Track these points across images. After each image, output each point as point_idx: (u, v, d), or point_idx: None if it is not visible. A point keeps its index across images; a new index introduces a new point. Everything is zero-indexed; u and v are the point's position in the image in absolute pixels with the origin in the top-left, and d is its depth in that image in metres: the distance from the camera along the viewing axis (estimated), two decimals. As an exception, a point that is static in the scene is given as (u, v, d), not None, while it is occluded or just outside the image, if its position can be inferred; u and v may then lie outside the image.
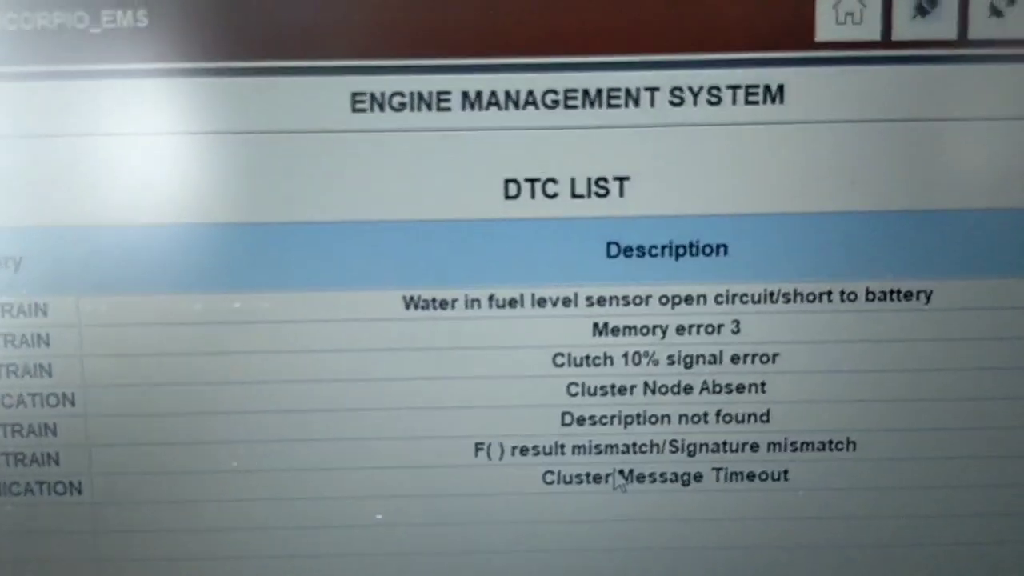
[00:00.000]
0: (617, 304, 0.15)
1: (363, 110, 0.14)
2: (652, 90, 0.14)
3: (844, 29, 0.14)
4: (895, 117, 0.14)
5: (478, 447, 0.15)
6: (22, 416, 0.14)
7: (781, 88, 0.14)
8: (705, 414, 0.15)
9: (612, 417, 0.15)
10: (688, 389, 0.15)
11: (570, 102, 0.14)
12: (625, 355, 0.15)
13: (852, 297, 0.15)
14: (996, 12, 0.14)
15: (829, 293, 0.15)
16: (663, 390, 0.15)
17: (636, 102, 0.14)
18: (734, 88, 0.14)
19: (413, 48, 0.14)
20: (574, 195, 0.14)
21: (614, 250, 0.14)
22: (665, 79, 0.14)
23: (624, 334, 0.15)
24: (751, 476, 0.15)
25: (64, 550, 0.15)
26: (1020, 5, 0.14)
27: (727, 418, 0.15)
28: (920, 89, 0.14)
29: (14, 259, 0.14)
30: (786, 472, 0.15)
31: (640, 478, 0.15)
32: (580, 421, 0.15)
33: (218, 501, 0.15)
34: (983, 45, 0.14)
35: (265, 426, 0.14)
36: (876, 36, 0.14)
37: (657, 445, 0.15)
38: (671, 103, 0.14)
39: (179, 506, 0.15)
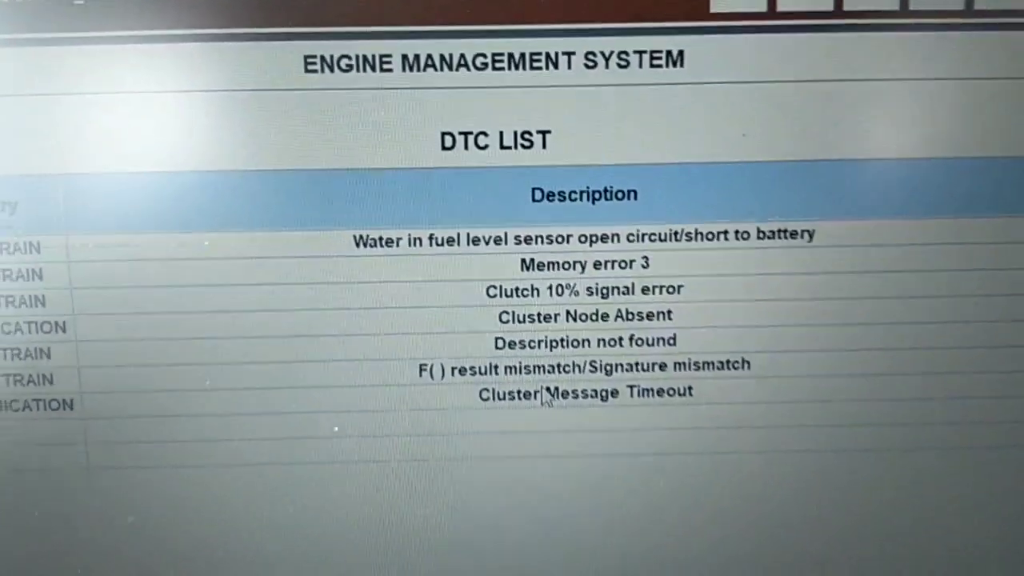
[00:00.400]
0: (542, 242, 0.17)
1: (315, 71, 0.16)
2: (569, 54, 0.16)
3: (735, 1, 0.16)
4: (780, 79, 0.16)
5: (422, 368, 0.17)
6: (19, 341, 0.16)
7: (681, 53, 0.16)
8: (620, 338, 0.17)
9: (539, 341, 0.17)
10: (604, 316, 0.17)
11: (497, 64, 0.16)
12: (549, 287, 0.17)
13: (745, 236, 0.17)
14: (868, -14, 0.16)
15: (725, 232, 0.17)
16: (583, 317, 0.17)
17: (555, 65, 0.16)
18: (640, 53, 0.16)
19: (359, 17, 0.16)
20: (502, 146, 0.16)
21: (538, 195, 0.16)
22: (580, 45, 0.16)
23: (548, 269, 0.17)
24: (660, 392, 0.17)
25: (58, 460, 0.17)
26: (889, -20, 0.16)
27: (639, 342, 0.17)
28: (801, 54, 0.16)
29: (10, 203, 0.16)
30: (691, 388, 0.17)
31: (564, 395, 0.17)
32: (511, 345, 0.17)
33: (194, 416, 0.16)
34: (855, 16, 0.16)
35: (233, 350, 0.16)
36: (763, 8, 0.16)
37: (578, 365, 0.17)
38: (586, 66, 0.16)
39: (160, 420, 0.17)
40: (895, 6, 0.16)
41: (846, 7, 0.16)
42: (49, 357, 0.16)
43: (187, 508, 0.17)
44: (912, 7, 0.16)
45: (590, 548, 0.17)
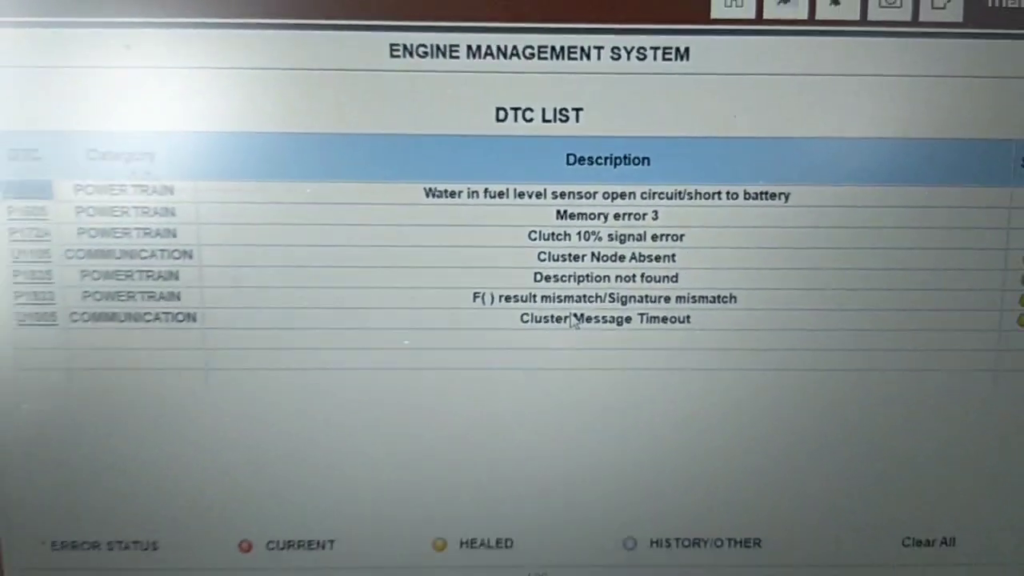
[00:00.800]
0: (573, 197, 0.21)
1: (398, 56, 0.20)
2: (599, 48, 0.20)
3: (730, 11, 0.20)
4: (763, 72, 0.20)
5: (475, 295, 0.21)
6: (155, 265, 0.20)
7: (687, 49, 0.20)
8: (633, 275, 0.21)
9: (569, 276, 0.21)
10: (621, 258, 0.21)
11: (542, 54, 0.20)
12: (579, 233, 0.21)
13: (735, 196, 0.21)
14: (835, 1, 0.20)
15: (719, 193, 0.21)
16: (604, 258, 0.21)
17: (588, 56, 0.20)
18: (655, 48, 0.20)
19: (434, 14, 0.20)
20: (544, 120, 0.20)
21: (572, 159, 0.20)
22: (607, 41, 0.20)
23: (578, 218, 0.21)
24: (664, 319, 0.21)
25: (181, 362, 0.21)
26: (852, -5, 0.20)
27: (648, 278, 0.21)
28: (781, 52, 0.20)
29: (149, 154, 0.20)
30: (688, 317, 0.21)
31: (588, 319, 0.21)
32: (547, 279, 0.21)
33: (295, 329, 0.20)
34: (825, 23, 0.20)
35: (327, 276, 0.20)
36: (752, 15, 0.20)
37: (600, 296, 0.21)
38: (612, 58, 0.20)
39: (267, 332, 0.20)
40: (856, 16, 0.20)
41: (817, 16, 0.20)
42: (177, 279, 0.20)
43: (288, 405, 0.21)
44: (870, 17, 0.20)
45: (601, 444, 0.21)
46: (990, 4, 0.20)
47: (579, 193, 0.20)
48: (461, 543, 0.22)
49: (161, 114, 0.19)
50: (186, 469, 0.21)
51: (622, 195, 0.21)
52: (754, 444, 0.22)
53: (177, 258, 0.20)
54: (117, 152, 0.20)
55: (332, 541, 0.22)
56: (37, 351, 0.20)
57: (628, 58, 0.20)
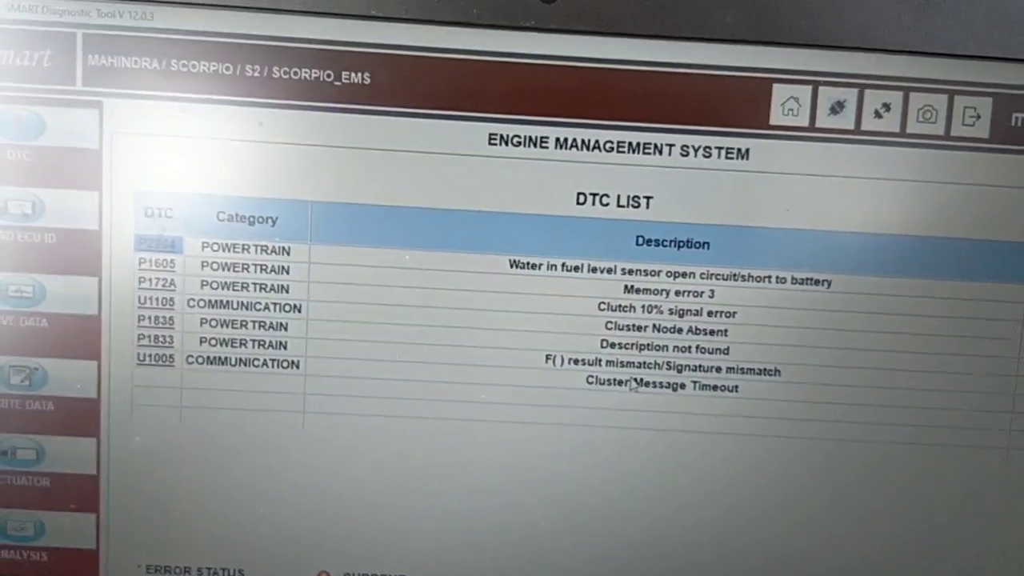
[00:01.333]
0: (640, 274, 0.23)
1: (495, 144, 0.22)
2: (670, 145, 0.23)
3: (787, 118, 0.23)
4: (814, 173, 0.23)
5: (547, 357, 0.23)
6: (267, 316, 0.23)
7: (748, 150, 0.23)
8: (689, 346, 0.23)
9: (632, 344, 0.23)
10: (679, 330, 0.23)
11: (620, 149, 0.23)
12: (643, 306, 0.23)
13: (783, 280, 0.23)
14: (878, 115, 0.23)
15: (769, 276, 0.23)
16: (664, 330, 0.23)
17: (659, 152, 0.23)
18: (719, 148, 0.23)
19: (528, 109, 0.22)
20: (618, 205, 0.23)
21: (640, 240, 0.23)
22: (677, 139, 0.22)
23: (643, 293, 0.23)
24: (715, 387, 0.23)
25: (282, 405, 0.23)
26: (893, 112, 0.23)
27: (702, 350, 0.23)
28: (830, 157, 0.23)
29: (272, 218, 0.22)
30: (737, 387, 0.23)
31: (647, 384, 0.23)
32: (612, 345, 0.23)
33: (387, 379, 0.23)
34: (869, 134, 0.23)
35: (418, 334, 0.23)
36: (806, 124, 0.23)
37: (658, 364, 0.23)
38: (681, 154, 0.23)
39: (362, 381, 0.23)
40: (896, 128, 0.23)
41: (863, 127, 0.23)
42: (286, 330, 0.23)
43: (374, 449, 0.23)
44: (908, 131, 0.23)
45: (653, 497, 0.24)
46: (1013, 124, 0.23)
47: (645, 271, 0.23)
48: (521, 582, 0.24)
49: (284, 184, 0.22)
50: (275, 503, 0.23)
51: (683, 274, 0.23)
52: (789, 505, 0.24)
53: (287, 311, 0.23)
54: (243, 215, 0.22)
55: None
56: (153, 389, 0.23)
57: (695, 155, 0.23)
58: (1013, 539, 0.24)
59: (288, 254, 0.22)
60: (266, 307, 0.23)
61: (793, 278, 0.23)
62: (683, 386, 0.23)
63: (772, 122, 0.23)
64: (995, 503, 0.24)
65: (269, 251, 0.22)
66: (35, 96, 0.22)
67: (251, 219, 0.22)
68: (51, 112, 0.22)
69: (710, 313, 0.23)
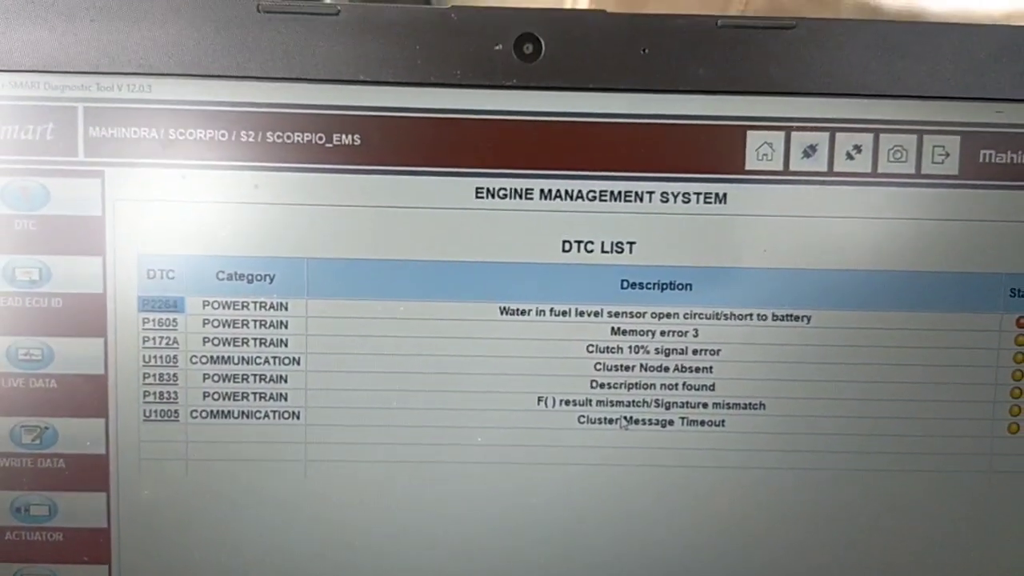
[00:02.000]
0: (626, 316, 0.24)
1: (482, 197, 0.23)
2: (650, 193, 0.23)
3: (761, 163, 0.23)
4: (789, 214, 0.24)
5: (539, 399, 0.24)
6: (267, 370, 0.23)
7: (725, 195, 0.23)
8: (676, 384, 0.24)
9: (620, 384, 0.24)
10: (666, 368, 0.24)
11: (602, 198, 0.23)
12: (630, 347, 0.24)
13: (764, 317, 0.24)
14: (850, 156, 0.24)
15: (750, 314, 0.24)
16: (652, 369, 0.24)
17: (640, 199, 0.23)
18: (697, 194, 0.23)
19: (512, 163, 0.23)
20: (603, 251, 0.24)
21: (625, 284, 0.24)
22: (658, 187, 0.23)
23: (629, 334, 0.24)
24: (702, 423, 0.24)
25: (283, 455, 0.24)
26: (864, 153, 0.24)
27: (689, 387, 0.24)
28: (804, 198, 0.24)
29: (270, 275, 0.23)
30: (723, 421, 0.24)
31: (636, 422, 0.24)
32: (601, 386, 0.24)
33: (385, 426, 0.23)
34: (841, 175, 0.24)
35: (412, 381, 0.24)
36: (780, 168, 0.24)
37: (647, 402, 0.24)
38: (661, 201, 0.23)
39: (361, 428, 0.24)
40: (868, 169, 0.24)
41: (835, 169, 0.24)
42: (286, 381, 0.23)
43: (375, 494, 0.24)
44: (879, 171, 0.24)
45: (644, 531, 0.24)
46: (981, 160, 0.24)
47: (631, 313, 0.24)
48: (521, 618, 0.25)
49: (281, 243, 0.23)
50: (280, 550, 0.24)
51: (667, 315, 0.24)
52: (779, 535, 0.25)
53: (287, 364, 0.23)
54: (242, 273, 0.23)
55: (407, 616, 0.25)
56: (159, 443, 0.23)
57: (675, 201, 0.23)
58: (997, 561, 0.25)
59: (286, 309, 0.23)
60: (266, 361, 0.23)
61: (774, 315, 0.24)
62: (671, 422, 0.24)
63: (748, 167, 0.23)
64: (979, 526, 0.25)
65: (268, 307, 0.23)
66: (39, 168, 0.22)
67: (250, 277, 0.23)
68: (55, 182, 0.23)
69: (695, 351, 0.24)
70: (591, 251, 0.24)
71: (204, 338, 0.23)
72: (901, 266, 0.24)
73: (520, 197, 0.23)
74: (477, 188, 0.23)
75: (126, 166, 0.23)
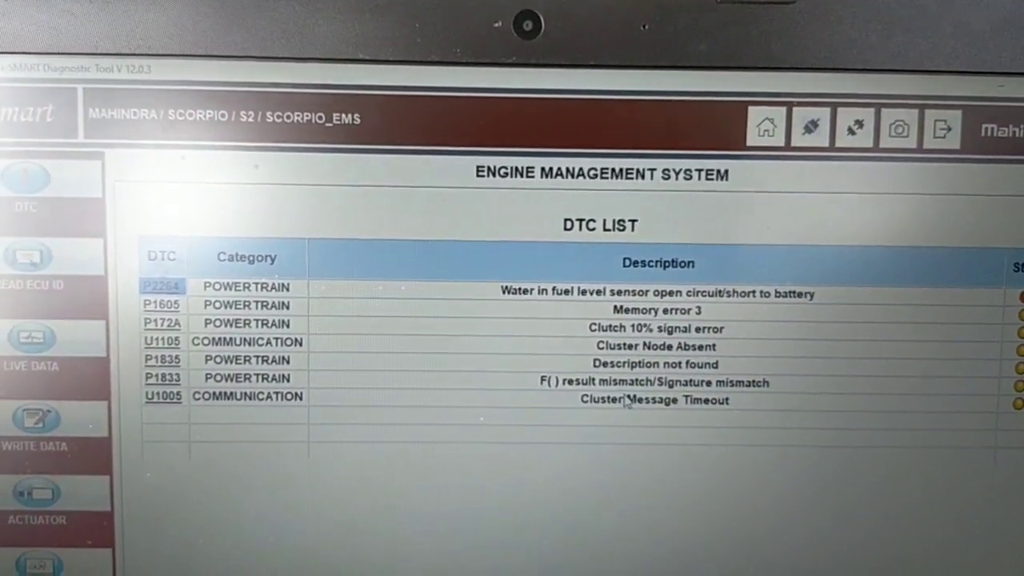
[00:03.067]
0: (629, 294, 0.24)
1: (483, 176, 0.23)
2: (652, 170, 0.23)
3: (763, 139, 0.23)
4: (791, 190, 0.23)
5: (542, 378, 0.24)
6: (269, 351, 0.23)
7: (727, 171, 0.23)
8: (679, 362, 0.24)
9: (624, 362, 0.24)
10: (669, 347, 0.24)
11: (604, 175, 0.23)
12: (633, 325, 0.24)
13: (767, 294, 0.24)
14: (851, 132, 0.24)
15: (754, 292, 0.24)
16: (655, 347, 0.24)
17: (642, 176, 0.23)
18: (699, 170, 0.23)
19: (513, 141, 0.23)
20: (605, 229, 0.24)
21: (627, 262, 0.24)
22: (659, 164, 0.23)
23: (632, 312, 0.24)
24: (706, 401, 0.24)
25: (287, 436, 0.24)
26: (866, 129, 0.24)
27: (692, 365, 0.24)
28: (806, 174, 0.23)
29: (271, 256, 0.23)
30: (727, 399, 0.24)
31: (639, 400, 0.24)
32: (604, 364, 0.24)
33: (387, 407, 0.23)
34: (843, 150, 0.24)
35: (415, 361, 0.23)
36: (781, 143, 0.24)
37: (650, 380, 0.24)
38: (663, 178, 0.23)
39: (363, 409, 0.23)
40: (869, 144, 0.24)
41: (837, 144, 0.24)
42: (288, 363, 0.23)
43: (379, 474, 0.24)
44: (881, 145, 0.24)
45: (647, 508, 0.24)
46: (983, 134, 0.24)
47: (633, 291, 0.24)
48: (525, 598, 0.25)
49: (281, 223, 0.23)
50: (284, 531, 0.24)
51: (670, 293, 0.24)
52: (784, 511, 0.24)
53: (289, 345, 0.23)
54: (243, 255, 0.23)
55: (411, 596, 0.25)
56: (162, 426, 0.23)
57: (676, 178, 0.23)
58: (1003, 536, 0.25)
59: (288, 290, 0.23)
60: (268, 342, 0.23)
61: (776, 292, 0.24)
62: (675, 401, 0.24)
63: (749, 143, 0.23)
64: (985, 502, 0.25)
65: (269, 288, 0.23)
66: (40, 150, 0.22)
67: (251, 258, 0.23)
68: (55, 164, 0.23)
69: (698, 329, 0.24)
70: (593, 229, 0.23)
71: (206, 320, 0.23)
72: (903, 241, 0.24)
73: (521, 175, 0.23)
74: (478, 167, 0.23)
75: (126, 147, 0.23)
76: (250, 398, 0.23)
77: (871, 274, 0.24)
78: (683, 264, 0.24)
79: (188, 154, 0.23)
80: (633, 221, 0.23)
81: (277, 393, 0.24)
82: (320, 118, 0.23)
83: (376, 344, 0.23)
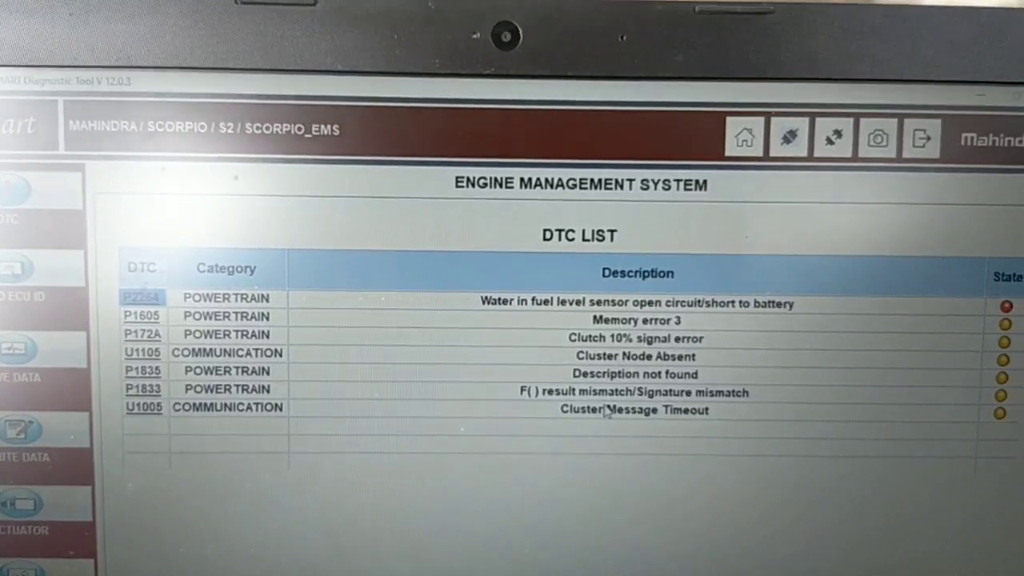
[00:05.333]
0: (608, 304, 0.24)
1: (462, 186, 0.23)
2: (630, 180, 0.23)
3: (741, 149, 0.23)
4: (770, 200, 0.23)
5: (522, 388, 0.24)
6: (249, 362, 0.23)
7: (705, 181, 0.23)
8: (659, 372, 0.24)
9: (603, 372, 0.24)
10: (649, 357, 0.24)
11: (583, 185, 0.23)
12: (612, 335, 0.24)
13: (746, 304, 0.24)
14: (830, 141, 0.24)
15: (733, 301, 0.24)
16: (634, 357, 0.24)
17: (621, 187, 0.23)
18: (678, 180, 0.23)
19: (492, 151, 0.23)
20: (584, 239, 0.24)
21: (607, 272, 0.24)
22: (637, 174, 0.23)
23: (611, 323, 0.24)
24: (686, 411, 0.24)
25: (267, 447, 0.24)
26: (845, 138, 0.24)
27: (672, 375, 0.24)
28: (785, 184, 0.23)
29: (250, 267, 0.23)
30: (707, 409, 0.24)
31: (619, 410, 0.24)
32: (584, 375, 0.24)
33: (366, 417, 0.23)
34: (822, 160, 0.24)
35: (394, 372, 0.23)
36: (760, 153, 0.24)
37: (630, 390, 0.24)
38: (641, 188, 0.23)
39: (342, 420, 0.24)
40: (848, 154, 0.24)
41: (815, 154, 0.24)
42: (268, 374, 0.23)
43: (358, 485, 0.24)
44: (860, 155, 0.24)
45: (627, 518, 0.24)
46: (962, 143, 0.24)
47: (613, 301, 0.24)
48: (506, 608, 0.25)
49: (261, 234, 0.23)
50: (265, 541, 0.24)
51: (649, 303, 0.24)
52: (764, 521, 0.24)
53: (269, 356, 0.23)
54: (222, 266, 0.23)
55: (392, 606, 0.25)
56: (143, 436, 0.23)
57: (655, 188, 0.23)
58: (983, 544, 0.25)
59: (267, 301, 0.23)
60: (248, 353, 0.23)
61: (756, 301, 0.24)
62: (655, 411, 0.24)
63: (727, 153, 0.23)
64: (966, 511, 0.25)
65: (249, 299, 0.23)
66: (21, 162, 0.23)
67: (230, 269, 0.23)
68: (36, 176, 0.23)
69: (677, 339, 0.24)
70: (572, 239, 0.23)
71: (186, 331, 0.23)
72: (883, 251, 0.24)
73: (500, 186, 0.23)
74: (457, 177, 0.23)
75: (107, 159, 0.23)
76: (230, 409, 0.24)
77: (851, 284, 0.24)
78: (662, 274, 0.24)
79: (168, 165, 0.23)
80: (612, 231, 0.24)
81: (257, 404, 0.24)
82: (299, 129, 0.23)
83: (356, 355, 0.23)
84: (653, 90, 0.23)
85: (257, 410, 0.24)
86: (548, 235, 0.23)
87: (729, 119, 0.23)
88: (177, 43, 0.22)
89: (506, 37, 0.23)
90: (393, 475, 0.24)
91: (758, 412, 0.24)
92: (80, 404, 0.23)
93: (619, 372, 0.24)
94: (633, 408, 0.24)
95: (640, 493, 0.24)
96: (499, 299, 0.24)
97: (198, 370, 0.23)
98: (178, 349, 0.23)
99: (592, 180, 0.23)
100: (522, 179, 0.23)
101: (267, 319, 0.23)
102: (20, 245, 0.23)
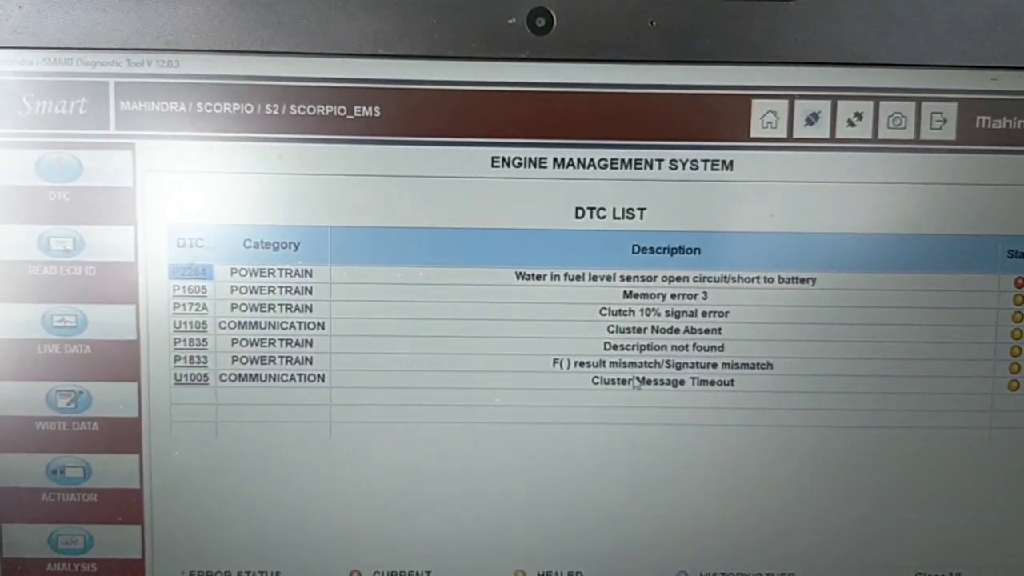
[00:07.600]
0: (638, 280, 0.25)
1: (498, 166, 0.24)
2: (659, 160, 0.24)
3: (766, 131, 0.24)
4: (793, 179, 0.24)
5: (554, 361, 0.25)
6: (293, 334, 0.24)
7: (732, 161, 0.24)
8: (686, 345, 0.25)
9: (633, 345, 0.25)
10: (677, 331, 0.25)
11: (614, 166, 0.24)
12: (642, 310, 0.25)
13: (770, 280, 0.25)
14: (851, 123, 0.25)
15: (757, 277, 0.25)
16: (663, 331, 0.25)
17: (650, 167, 0.24)
18: (705, 161, 0.24)
19: (527, 132, 0.24)
20: (615, 217, 0.24)
21: (636, 249, 0.25)
22: (666, 154, 0.24)
23: (641, 297, 0.25)
24: (712, 382, 0.25)
25: (309, 416, 0.25)
26: (865, 120, 0.25)
27: (699, 348, 0.25)
28: (808, 164, 0.24)
29: (294, 243, 0.24)
30: (733, 381, 0.25)
31: (648, 382, 0.25)
32: (614, 348, 0.25)
33: (405, 388, 0.24)
34: (843, 141, 0.25)
35: (433, 344, 0.24)
36: (784, 135, 0.25)
37: (659, 363, 0.25)
38: (670, 168, 0.24)
39: (383, 390, 0.24)
40: (869, 135, 0.25)
41: (837, 136, 0.25)
42: (311, 346, 0.24)
43: (397, 454, 0.25)
44: (880, 137, 0.25)
45: (656, 488, 0.25)
46: (977, 126, 0.25)
47: (642, 277, 0.25)
48: (538, 574, 0.26)
49: (304, 212, 0.24)
50: (307, 508, 0.25)
51: (677, 279, 0.25)
52: (787, 489, 0.25)
53: (312, 329, 0.24)
54: (267, 241, 0.24)
55: (428, 572, 0.25)
56: (190, 406, 0.24)
57: (683, 168, 0.24)
58: (997, 514, 0.26)
59: (310, 276, 0.24)
60: (292, 326, 0.24)
61: (780, 278, 0.25)
62: (682, 383, 0.25)
63: (753, 135, 0.24)
64: (980, 480, 0.26)
65: (293, 274, 0.24)
66: (73, 141, 0.23)
67: (275, 245, 0.24)
68: (88, 155, 0.23)
69: (704, 313, 0.25)
70: (603, 217, 0.24)
71: (232, 304, 0.24)
72: (902, 229, 0.25)
73: (534, 166, 0.24)
74: (493, 157, 0.24)
75: (156, 139, 0.24)
76: (274, 380, 0.24)
77: (871, 261, 0.25)
78: (690, 251, 0.25)
79: (215, 145, 0.24)
80: (642, 209, 0.24)
81: (300, 375, 0.24)
82: (342, 111, 0.24)
83: (395, 328, 0.24)
84: (681, 74, 0.24)
85: (300, 381, 0.24)
86: (580, 213, 0.24)
87: (754, 102, 0.24)
88: (224, 27, 0.23)
89: (540, 22, 0.24)
90: (430, 443, 0.25)
91: (782, 384, 0.25)
92: (129, 375, 0.24)
93: (648, 345, 0.25)
94: (661, 380, 0.25)
95: (667, 461, 0.25)
96: (533, 275, 0.24)
97: (244, 342, 0.24)
98: (224, 322, 0.24)
99: (623, 160, 0.24)
100: (555, 159, 0.24)
101: (310, 293, 0.24)
102: (72, 221, 0.24)
